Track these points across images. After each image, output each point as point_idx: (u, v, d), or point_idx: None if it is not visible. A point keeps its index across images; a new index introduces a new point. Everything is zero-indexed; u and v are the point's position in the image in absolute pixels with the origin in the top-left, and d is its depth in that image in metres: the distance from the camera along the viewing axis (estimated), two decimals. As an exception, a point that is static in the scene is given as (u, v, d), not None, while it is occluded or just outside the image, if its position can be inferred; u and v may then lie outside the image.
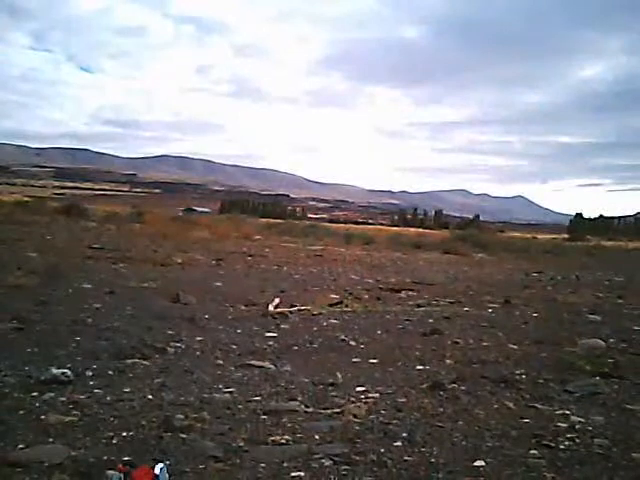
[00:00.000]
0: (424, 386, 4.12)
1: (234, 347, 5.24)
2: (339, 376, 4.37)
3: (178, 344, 5.23)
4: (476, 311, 8.02)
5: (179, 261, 12.63)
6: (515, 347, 5.69)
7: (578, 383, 4.20)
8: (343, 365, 4.81)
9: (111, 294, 7.65)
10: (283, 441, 3.03)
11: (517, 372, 4.63)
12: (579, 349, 5.48)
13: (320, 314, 7.25)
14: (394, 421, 3.29)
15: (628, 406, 3.78)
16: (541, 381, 4.40)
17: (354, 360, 5.02)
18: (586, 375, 4.45)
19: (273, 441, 3.02)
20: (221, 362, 4.67)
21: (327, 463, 2.72)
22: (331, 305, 8.02)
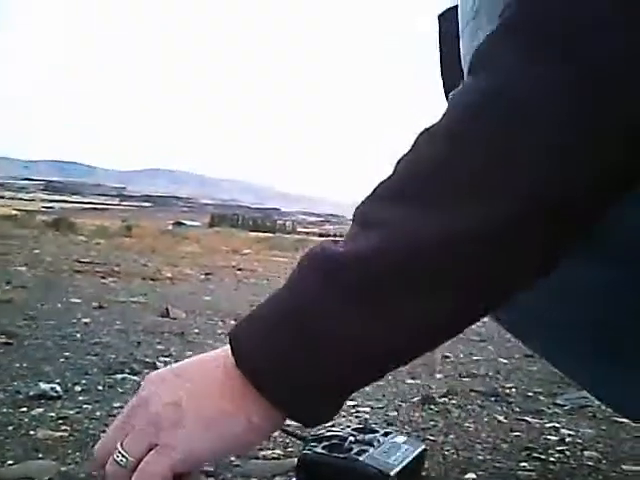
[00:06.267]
0: (415, 400, 4.10)
1: (224, 361, 5.20)
2: (330, 390, 4.36)
3: (167, 359, 5.17)
4: (466, 325, 8.03)
5: (168, 275, 12.51)
6: (505, 361, 5.68)
7: (568, 396, 4.20)
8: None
9: (100, 309, 7.55)
10: (275, 455, 3.00)
11: (507, 386, 4.62)
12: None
13: (310, 328, 7.23)
14: (385, 435, 3.29)
15: (617, 419, 3.78)
16: (531, 394, 4.40)
17: (345, 374, 5.01)
18: (575, 388, 4.46)
19: (264, 456, 3.00)
20: (211, 376, 4.65)
21: (318, 477, 2.71)
22: (321, 319, 8.01)
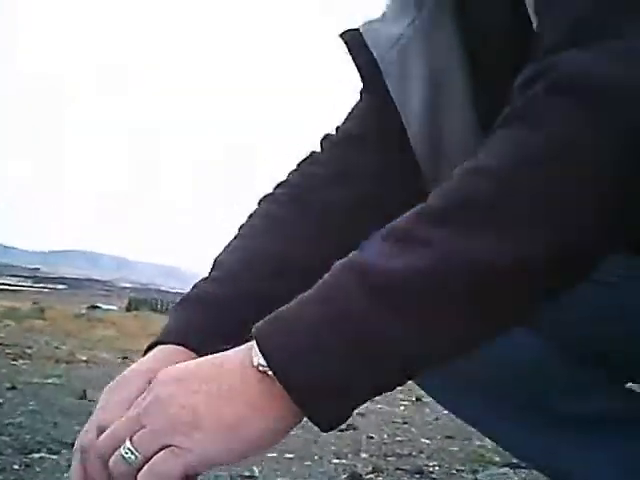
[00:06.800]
0: (342, 478, 4.12)
1: (145, 443, 5.01)
2: (256, 470, 4.28)
3: (86, 440, 4.98)
4: (389, 408, 8.06)
5: (83, 358, 12.02)
6: (428, 442, 5.76)
7: (488, 472, 4.32)
8: (259, 459, 4.72)
9: (13, 389, 7.18)
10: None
11: (431, 464, 4.69)
12: (488, 442, 5.64)
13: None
14: (314, 512, 3.28)
15: (535, 492, 3.93)
16: (454, 472, 4.49)
17: (270, 455, 4.91)
18: (496, 466, 4.58)
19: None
20: (132, 457, 4.48)
21: None
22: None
